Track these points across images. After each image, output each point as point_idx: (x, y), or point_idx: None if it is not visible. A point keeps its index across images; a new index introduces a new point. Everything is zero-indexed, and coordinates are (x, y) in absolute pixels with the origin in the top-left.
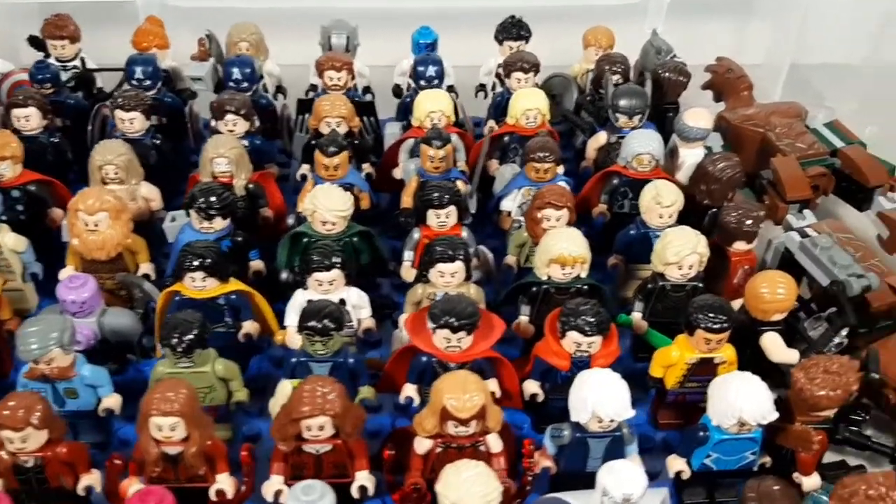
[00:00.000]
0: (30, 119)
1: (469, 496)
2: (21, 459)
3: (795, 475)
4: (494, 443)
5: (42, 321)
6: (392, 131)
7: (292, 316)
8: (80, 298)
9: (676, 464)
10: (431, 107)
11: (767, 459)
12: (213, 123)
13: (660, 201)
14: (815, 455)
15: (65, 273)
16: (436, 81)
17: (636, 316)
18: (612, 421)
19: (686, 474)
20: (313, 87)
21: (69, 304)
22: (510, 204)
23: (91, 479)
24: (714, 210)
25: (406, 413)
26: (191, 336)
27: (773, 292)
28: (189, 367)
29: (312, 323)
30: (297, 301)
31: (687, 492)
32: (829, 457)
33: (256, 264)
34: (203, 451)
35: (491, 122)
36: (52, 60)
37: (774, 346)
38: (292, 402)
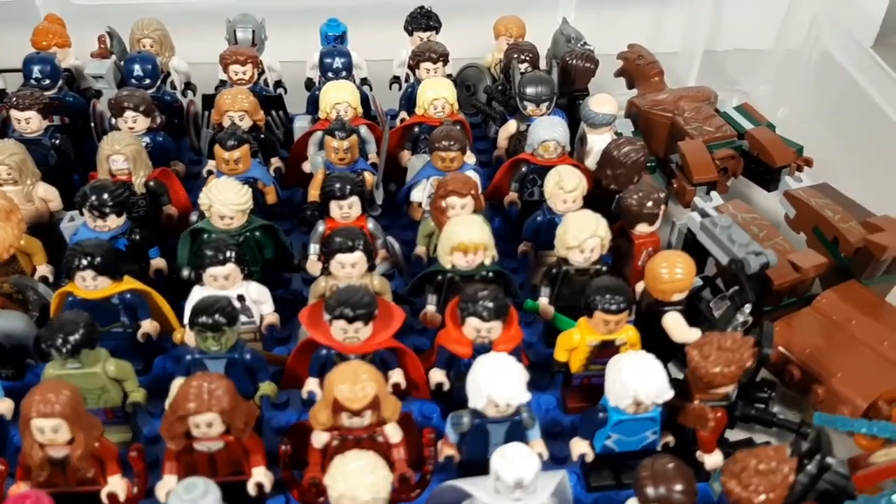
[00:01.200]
0: None
1: (356, 486)
2: None
3: (698, 453)
4: (393, 433)
5: None
6: (301, 125)
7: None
8: None
9: (579, 446)
10: (336, 98)
11: (671, 439)
12: (113, 121)
13: (562, 186)
14: (714, 433)
15: None
16: (343, 73)
17: (543, 301)
18: (508, 405)
19: (589, 457)
20: (223, 83)
21: None
22: (419, 194)
23: None
24: (620, 194)
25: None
26: (76, 336)
27: (672, 272)
28: (78, 368)
29: (203, 318)
30: (194, 298)
31: (593, 475)
32: (738, 434)
33: (157, 262)
34: (91, 453)
35: (403, 114)
36: None
37: (676, 326)
38: (178, 399)
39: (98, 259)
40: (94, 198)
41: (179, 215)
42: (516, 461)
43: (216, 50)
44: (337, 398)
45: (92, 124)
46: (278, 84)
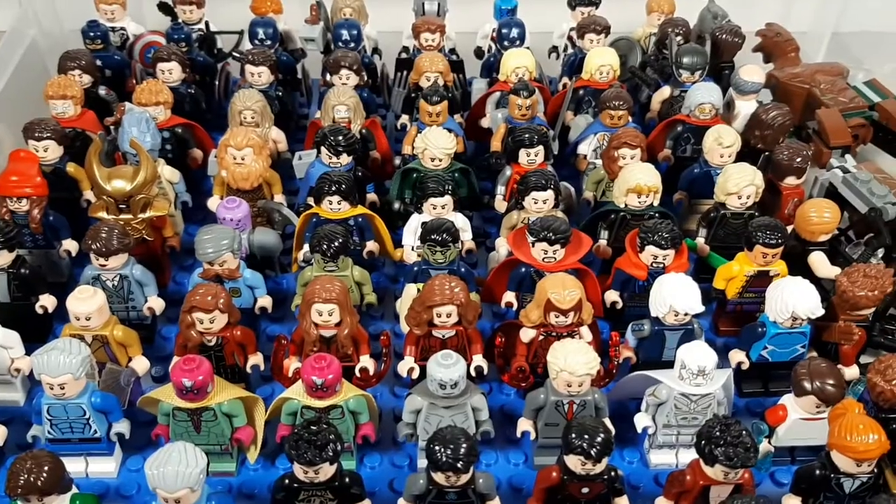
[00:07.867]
0: (172, 72)
1: (575, 363)
2: (206, 339)
3: (838, 367)
4: (587, 333)
5: (215, 230)
6: (479, 86)
7: (409, 237)
8: (235, 217)
9: (738, 356)
10: (516, 63)
11: (814, 354)
12: (327, 77)
13: (721, 142)
14: (855, 347)
15: (212, 202)
16: (517, 42)
17: (700, 241)
18: (686, 315)
19: (745, 365)
20: (405, 49)
21: (227, 222)
22: (586, 147)
23: (257, 360)
24: (767, 153)
25: (503, 318)
26: (337, 243)
27: (820, 215)
28: (333, 270)
29: (434, 236)
30: (413, 224)
31: (745, 383)
32: (865, 360)
33: (372, 196)
34: (351, 334)
35: (565, 79)
36: None
37: (820, 264)
38: (425, 293)
39: (344, 186)
40: (332, 138)
41: (382, 159)
42: (700, 353)
43: (395, 20)
44: (549, 299)
45: (216, 83)
46: (452, 51)
